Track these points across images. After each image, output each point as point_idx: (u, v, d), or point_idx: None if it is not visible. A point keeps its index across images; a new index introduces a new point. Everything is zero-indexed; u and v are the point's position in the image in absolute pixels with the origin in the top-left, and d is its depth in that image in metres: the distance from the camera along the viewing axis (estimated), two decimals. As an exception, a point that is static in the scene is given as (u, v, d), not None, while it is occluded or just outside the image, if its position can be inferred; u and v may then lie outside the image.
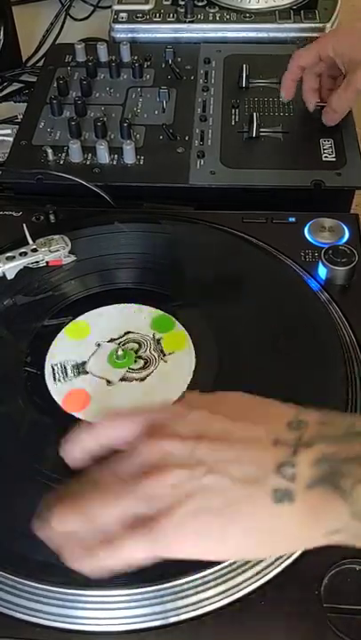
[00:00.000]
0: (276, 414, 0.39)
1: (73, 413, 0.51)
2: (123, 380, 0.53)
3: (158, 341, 0.55)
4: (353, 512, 0.35)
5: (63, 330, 0.56)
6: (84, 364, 0.54)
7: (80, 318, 0.57)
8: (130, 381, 0.53)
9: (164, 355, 0.54)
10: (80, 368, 0.53)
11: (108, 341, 0.55)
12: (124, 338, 0.55)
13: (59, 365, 0.54)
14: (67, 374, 0.53)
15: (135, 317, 0.57)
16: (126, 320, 0.56)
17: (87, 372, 0.53)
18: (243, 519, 0.36)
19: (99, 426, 0.41)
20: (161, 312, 0.57)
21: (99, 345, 0.55)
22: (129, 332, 0.56)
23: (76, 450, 0.41)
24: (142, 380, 0.53)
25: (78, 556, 0.38)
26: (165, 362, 0.53)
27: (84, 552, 0.37)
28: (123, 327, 0.56)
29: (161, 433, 0.39)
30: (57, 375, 0.53)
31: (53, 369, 0.53)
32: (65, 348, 0.55)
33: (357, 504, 0.35)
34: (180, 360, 0.53)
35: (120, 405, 0.51)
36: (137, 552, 0.37)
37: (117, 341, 0.55)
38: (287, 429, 0.38)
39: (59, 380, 0.53)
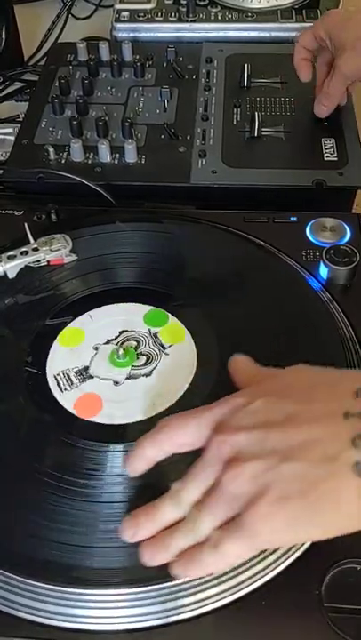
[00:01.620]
0: (339, 385, 0.39)
1: (89, 419, 0.50)
2: (129, 378, 0.53)
3: (156, 336, 0.55)
4: None
5: (57, 339, 0.55)
6: (86, 368, 0.53)
7: (71, 325, 0.56)
8: (136, 378, 0.53)
9: (165, 348, 0.54)
10: (84, 373, 0.53)
11: (105, 343, 0.55)
12: (121, 337, 0.55)
13: (61, 374, 0.53)
14: (72, 382, 0.53)
15: (127, 316, 0.56)
16: (118, 320, 0.56)
17: (92, 377, 0.53)
18: (328, 497, 0.36)
19: (162, 434, 0.41)
20: (152, 307, 0.56)
21: (97, 348, 0.55)
22: (124, 331, 0.55)
23: (141, 462, 0.42)
24: (148, 375, 0.53)
25: (187, 567, 0.39)
26: (167, 354, 0.53)
27: (191, 562, 0.39)
28: (116, 327, 0.56)
29: (228, 428, 0.39)
30: (62, 384, 0.52)
31: (57, 379, 0.53)
32: (62, 356, 0.54)
33: None
34: (181, 351, 0.53)
35: (134, 403, 0.51)
36: (238, 551, 0.38)
37: (114, 342, 0.55)
38: (354, 399, 0.37)
39: (65, 389, 0.52)
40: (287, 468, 0.37)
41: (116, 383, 0.53)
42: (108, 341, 0.55)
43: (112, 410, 0.51)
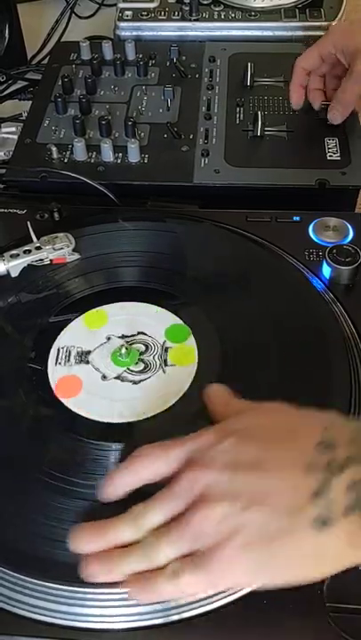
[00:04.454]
0: (305, 433, 0.40)
1: (60, 399, 0.51)
2: (118, 378, 0.53)
3: (166, 350, 0.54)
4: None
5: (83, 315, 0.56)
6: (88, 353, 0.54)
7: (102, 307, 0.57)
8: (123, 382, 0.53)
9: (166, 365, 0.53)
10: (83, 356, 0.54)
11: (119, 337, 0.55)
12: (135, 337, 0.55)
13: (65, 349, 0.54)
14: (69, 359, 0.53)
15: (153, 320, 0.56)
16: (143, 320, 0.56)
17: (88, 362, 0.53)
18: (287, 549, 0.37)
19: (137, 463, 0.42)
20: (180, 321, 0.56)
21: (109, 338, 0.55)
22: (141, 333, 0.55)
23: (119, 490, 0.42)
24: (135, 383, 0.52)
25: (141, 592, 0.40)
26: (164, 372, 0.53)
27: (145, 587, 0.39)
28: (138, 326, 0.56)
29: (199, 464, 0.40)
30: (60, 358, 0.53)
31: (59, 351, 0.54)
32: (77, 333, 0.55)
33: None
34: (179, 375, 0.52)
35: (105, 403, 0.51)
36: (197, 586, 0.39)
37: (127, 339, 0.55)
38: (318, 452, 0.38)
39: (59, 364, 0.53)
40: (250, 517, 0.38)
41: (104, 378, 0.53)
42: (123, 336, 0.55)
43: (83, 400, 0.51)
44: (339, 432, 0.39)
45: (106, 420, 0.50)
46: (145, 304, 0.57)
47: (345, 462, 0.37)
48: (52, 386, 0.52)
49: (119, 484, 0.42)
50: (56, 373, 0.53)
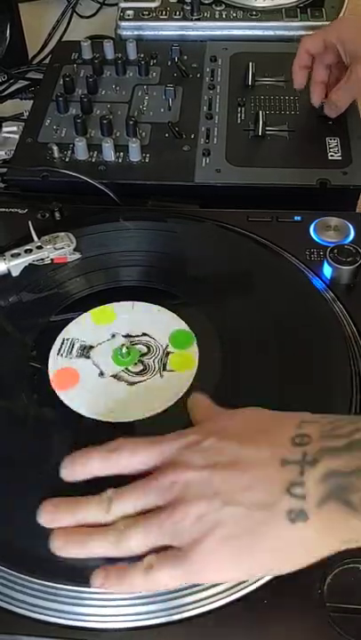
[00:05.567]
0: (278, 431, 0.41)
1: (56, 390, 0.52)
2: (114, 376, 0.53)
3: (167, 355, 0.54)
4: None
5: (90, 311, 0.57)
6: (91, 348, 0.54)
7: (110, 305, 0.57)
8: (119, 381, 0.53)
9: (164, 370, 0.53)
10: (85, 351, 0.54)
11: (124, 335, 0.55)
12: (139, 338, 0.55)
13: (69, 340, 0.54)
14: (71, 352, 0.54)
15: (160, 322, 0.56)
16: (150, 321, 0.56)
17: (89, 357, 0.54)
18: (265, 541, 0.38)
19: (114, 456, 0.42)
20: (187, 328, 0.55)
21: (113, 336, 0.55)
22: (145, 335, 0.55)
23: (83, 474, 0.43)
24: (130, 384, 0.52)
25: (113, 582, 0.40)
26: (161, 377, 0.53)
27: (118, 578, 0.40)
28: (143, 327, 0.56)
29: (178, 465, 0.41)
30: (62, 349, 0.54)
31: (63, 342, 0.54)
32: (83, 327, 0.56)
33: None
34: (175, 382, 0.52)
35: (98, 399, 0.51)
36: (171, 581, 0.40)
37: (131, 339, 0.55)
38: (291, 447, 0.39)
39: (61, 355, 0.53)
40: (228, 512, 0.39)
41: (101, 374, 0.53)
42: (128, 336, 0.55)
43: (78, 394, 0.51)
44: (311, 427, 0.40)
45: (93, 417, 0.50)
46: (156, 306, 0.57)
47: (318, 454, 0.38)
48: (50, 375, 0.52)
49: (89, 468, 0.43)
50: (56, 364, 0.53)
